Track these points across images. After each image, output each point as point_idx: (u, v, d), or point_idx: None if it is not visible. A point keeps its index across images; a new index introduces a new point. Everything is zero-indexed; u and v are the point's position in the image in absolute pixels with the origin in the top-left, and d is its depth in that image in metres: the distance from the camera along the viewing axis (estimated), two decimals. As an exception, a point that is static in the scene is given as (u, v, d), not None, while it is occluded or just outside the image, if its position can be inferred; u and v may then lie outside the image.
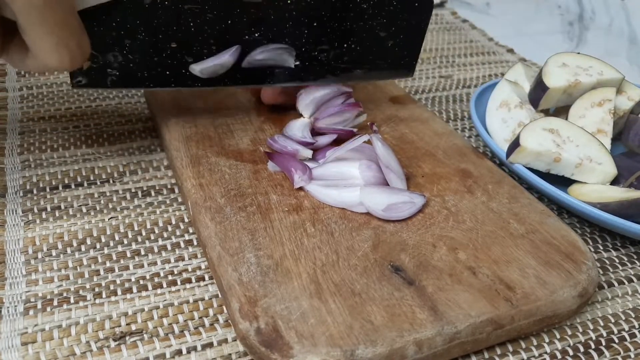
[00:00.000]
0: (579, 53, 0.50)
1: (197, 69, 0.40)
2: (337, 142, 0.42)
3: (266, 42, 0.41)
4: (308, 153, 0.40)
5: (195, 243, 0.38)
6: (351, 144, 0.38)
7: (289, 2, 0.39)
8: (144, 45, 0.38)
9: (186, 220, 0.39)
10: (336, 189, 0.37)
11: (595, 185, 0.41)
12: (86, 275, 0.35)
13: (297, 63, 0.42)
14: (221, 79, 0.42)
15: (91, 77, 0.39)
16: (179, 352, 0.30)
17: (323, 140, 0.42)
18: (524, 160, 0.42)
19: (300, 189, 0.38)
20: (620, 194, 0.39)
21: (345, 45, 0.42)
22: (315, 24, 0.41)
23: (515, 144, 0.42)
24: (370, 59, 0.44)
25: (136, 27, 0.38)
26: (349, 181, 0.38)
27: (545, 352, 0.32)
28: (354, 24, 0.41)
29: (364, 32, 0.42)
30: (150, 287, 0.34)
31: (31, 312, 0.32)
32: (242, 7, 0.38)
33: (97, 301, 0.33)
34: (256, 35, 0.40)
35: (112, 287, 0.34)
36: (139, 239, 0.38)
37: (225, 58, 0.40)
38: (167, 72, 0.40)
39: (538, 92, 0.47)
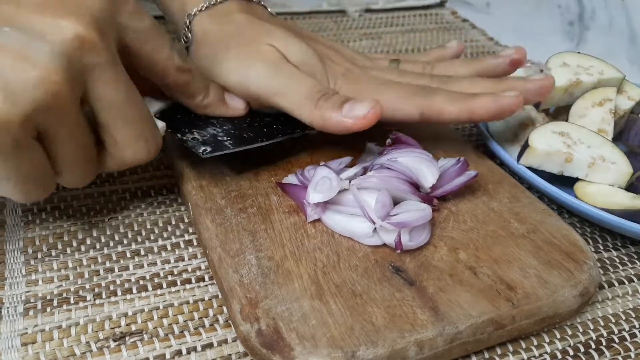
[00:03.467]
0: (579, 52, 0.50)
1: None
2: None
3: None
4: (345, 184, 0.36)
5: (195, 243, 0.37)
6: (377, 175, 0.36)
7: None
8: (227, 119, 0.41)
9: (186, 220, 0.39)
10: (345, 216, 0.35)
11: (602, 185, 0.41)
12: (86, 276, 0.34)
13: None
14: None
15: (211, 145, 0.37)
16: (178, 353, 0.30)
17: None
18: (535, 162, 0.41)
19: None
20: (626, 200, 0.39)
21: None
22: None
23: (525, 147, 0.42)
24: None
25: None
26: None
27: (546, 352, 0.32)
28: None
29: None
30: (150, 288, 0.34)
31: (31, 313, 0.32)
32: None
33: (97, 301, 0.33)
34: None
35: (112, 288, 0.34)
36: (139, 239, 0.37)
37: None
38: (265, 130, 0.40)
39: (538, 91, 0.47)
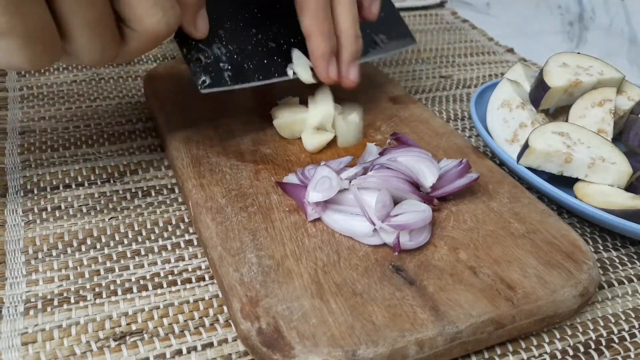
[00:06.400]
0: (579, 53, 0.50)
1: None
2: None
3: None
4: (345, 184, 0.36)
5: (195, 243, 0.38)
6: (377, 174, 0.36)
7: None
8: (234, 34, 0.41)
9: (186, 220, 0.39)
10: (345, 215, 0.35)
11: (602, 186, 0.41)
12: (86, 275, 0.35)
13: None
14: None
15: (211, 75, 0.40)
16: (179, 352, 0.30)
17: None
18: (535, 162, 0.41)
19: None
20: (625, 200, 0.39)
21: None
22: None
23: (525, 147, 0.42)
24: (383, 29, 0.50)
25: (222, 15, 0.40)
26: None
27: (545, 352, 0.32)
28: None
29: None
30: (150, 287, 0.34)
31: (31, 312, 0.32)
32: None
33: (98, 301, 0.33)
34: None
35: (112, 287, 0.34)
36: (139, 239, 0.38)
37: None
38: (265, 61, 0.42)
39: (539, 91, 0.47)
